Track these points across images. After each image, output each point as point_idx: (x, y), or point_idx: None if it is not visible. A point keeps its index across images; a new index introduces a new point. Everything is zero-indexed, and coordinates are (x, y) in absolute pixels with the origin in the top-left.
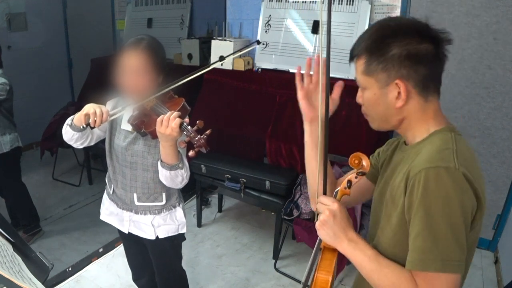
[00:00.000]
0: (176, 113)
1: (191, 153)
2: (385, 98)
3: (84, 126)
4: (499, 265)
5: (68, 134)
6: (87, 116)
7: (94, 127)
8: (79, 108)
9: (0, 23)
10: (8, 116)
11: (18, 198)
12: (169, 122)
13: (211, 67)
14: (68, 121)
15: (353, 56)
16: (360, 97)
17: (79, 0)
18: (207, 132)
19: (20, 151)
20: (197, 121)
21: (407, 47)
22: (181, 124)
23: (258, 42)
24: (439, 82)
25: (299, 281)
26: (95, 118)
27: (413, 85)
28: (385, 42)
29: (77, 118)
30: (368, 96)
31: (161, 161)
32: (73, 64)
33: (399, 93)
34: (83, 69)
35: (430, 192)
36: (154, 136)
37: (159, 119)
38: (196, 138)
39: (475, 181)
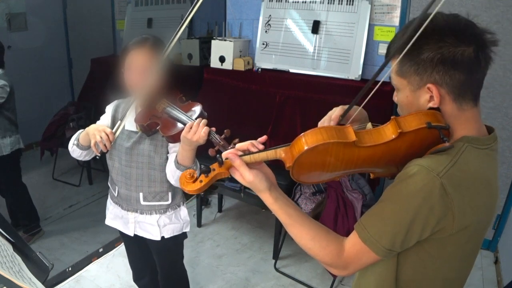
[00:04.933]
0: (204, 121)
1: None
2: (417, 102)
3: (99, 155)
4: (499, 265)
5: (76, 153)
6: (95, 146)
7: (107, 151)
8: (79, 108)
9: (0, 23)
10: (10, 117)
11: (18, 198)
12: (198, 129)
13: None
14: (74, 141)
15: (388, 56)
16: (395, 97)
17: (79, 0)
18: (235, 141)
19: (20, 152)
20: (225, 130)
21: (441, 51)
22: (209, 133)
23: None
24: (478, 88)
25: (299, 281)
26: (105, 144)
27: (447, 91)
28: (418, 43)
29: (82, 137)
30: (401, 98)
31: (177, 162)
32: (73, 64)
33: (431, 96)
34: (83, 69)
35: (404, 181)
36: (176, 139)
37: (188, 125)
38: (227, 148)
39: (458, 200)
